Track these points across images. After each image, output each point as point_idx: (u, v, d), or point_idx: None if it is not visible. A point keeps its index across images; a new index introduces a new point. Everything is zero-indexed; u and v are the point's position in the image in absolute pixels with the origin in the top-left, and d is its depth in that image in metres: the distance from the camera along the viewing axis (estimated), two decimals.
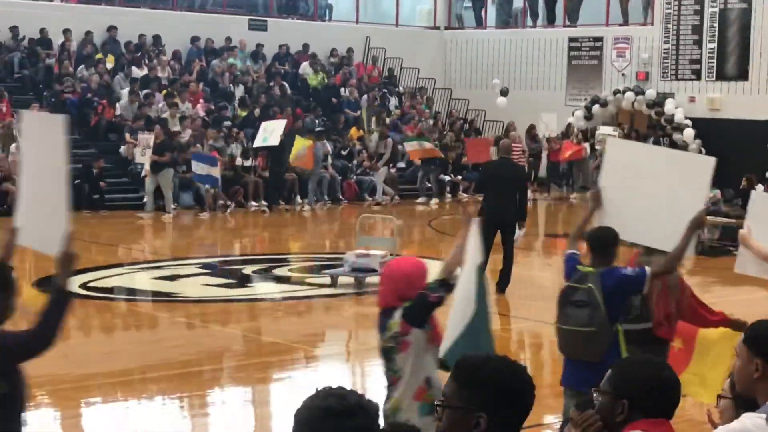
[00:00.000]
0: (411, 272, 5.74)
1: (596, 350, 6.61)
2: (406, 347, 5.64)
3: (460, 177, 27.35)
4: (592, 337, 6.63)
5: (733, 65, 27.07)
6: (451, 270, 5.81)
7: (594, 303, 6.65)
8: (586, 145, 27.46)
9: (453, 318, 5.75)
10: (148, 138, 22.19)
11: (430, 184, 26.35)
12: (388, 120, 28.23)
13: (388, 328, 5.69)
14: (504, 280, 14.03)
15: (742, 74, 26.84)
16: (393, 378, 5.73)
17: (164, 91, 25.66)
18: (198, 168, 22.13)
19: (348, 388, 3.05)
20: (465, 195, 26.74)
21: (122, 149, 23.61)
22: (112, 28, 26.74)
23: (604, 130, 27.25)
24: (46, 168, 5.04)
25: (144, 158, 22.18)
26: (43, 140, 5.10)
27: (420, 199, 25.55)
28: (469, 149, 26.81)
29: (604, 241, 6.85)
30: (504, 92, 28.51)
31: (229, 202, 22.88)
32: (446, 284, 5.70)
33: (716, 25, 27.14)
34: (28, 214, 5.13)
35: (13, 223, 5.17)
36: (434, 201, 25.61)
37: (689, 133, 26.76)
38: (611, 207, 7.04)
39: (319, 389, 3.14)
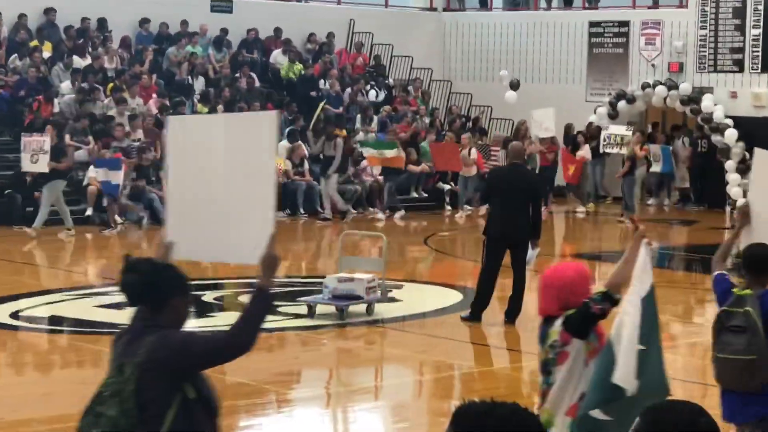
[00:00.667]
0: (574, 278, 6.23)
1: (756, 380, 7.04)
2: (564, 359, 6.11)
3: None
4: (751, 366, 7.06)
5: None
6: (615, 284, 6.16)
7: (753, 328, 7.05)
8: (586, 147, 27.41)
9: (618, 344, 5.96)
10: (40, 140, 21.35)
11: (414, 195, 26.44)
12: (376, 118, 28.27)
13: (547, 336, 6.17)
14: (514, 309, 14.05)
15: None
16: (546, 390, 6.18)
17: (111, 85, 25.68)
18: (98, 174, 22.09)
19: None
20: (468, 207, 26.76)
21: None
22: (49, 11, 26.76)
23: (614, 130, 27.22)
24: (249, 172, 5.36)
25: (37, 165, 21.25)
26: (245, 142, 5.41)
27: (393, 215, 25.32)
28: (435, 155, 26.83)
29: (761, 260, 7.27)
30: (514, 85, 28.58)
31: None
32: (610, 298, 6.06)
33: (762, 7, 27.26)
34: (221, 228, 5.48)
35: (164, 237, 5.51)
36: (398, 215, 25.39)
37: (731, 134, 26.85)
38: (761, 223, 7.41)
39: None
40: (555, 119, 26.55)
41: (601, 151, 27.12)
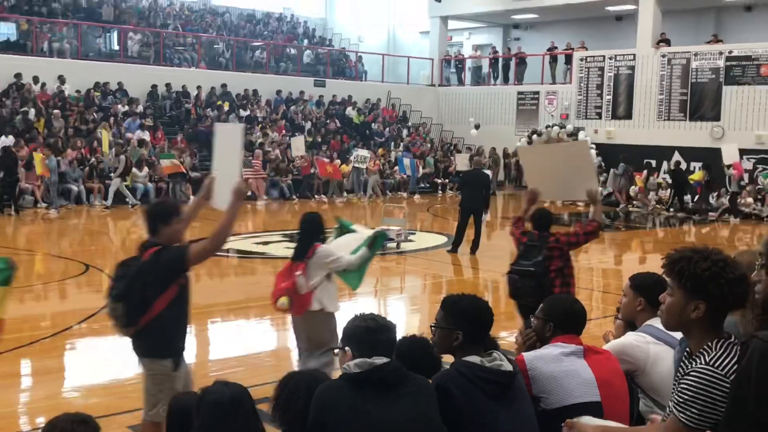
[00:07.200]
0: None
1: None
2: None
3: (447, 180, 27.19)
4: None
5: (623, 109, 26.85)
6: None
7: None
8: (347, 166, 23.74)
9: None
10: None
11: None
12: (401, 145, 28.07)
13: None
14: (475, 246, 14.00)
15: (628, 115, 26.54)
16: None
17: (260, 125, 25.68)
18: None
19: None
20: (450, 191, 26.53)
21: None
22: (224, 85, 26.73)
23: (360, 152, 23.81)
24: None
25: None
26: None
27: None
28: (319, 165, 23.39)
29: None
30: (477, 126, 28.32)
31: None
32: None
33: (612, 83, 26.93)
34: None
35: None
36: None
37: (592, 153, 26.47)
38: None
39: (357, 315, 3.11)
40: (305, 145, 23.67)
41: (350, 166, 23.77)
